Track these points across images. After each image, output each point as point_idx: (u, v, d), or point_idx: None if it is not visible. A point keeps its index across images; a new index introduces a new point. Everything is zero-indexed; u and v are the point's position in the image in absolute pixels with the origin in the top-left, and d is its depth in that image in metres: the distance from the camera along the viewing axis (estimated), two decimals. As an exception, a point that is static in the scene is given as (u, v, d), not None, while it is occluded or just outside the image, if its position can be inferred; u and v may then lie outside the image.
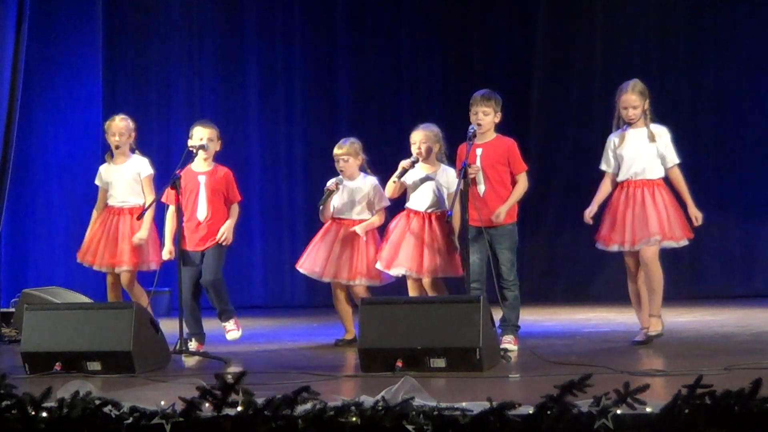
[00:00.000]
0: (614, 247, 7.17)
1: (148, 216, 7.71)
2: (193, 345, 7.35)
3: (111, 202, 7.98)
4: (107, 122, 8.05)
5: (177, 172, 7.18)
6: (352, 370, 6.30)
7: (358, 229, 7.60)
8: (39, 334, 6.47)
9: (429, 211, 7.52)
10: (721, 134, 11.13)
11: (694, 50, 11.25)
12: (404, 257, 7.46)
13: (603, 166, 7.27)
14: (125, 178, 7.93)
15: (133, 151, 8.02)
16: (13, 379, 4.45)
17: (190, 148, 7.41)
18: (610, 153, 7.21)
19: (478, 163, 7.06)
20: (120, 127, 7.91)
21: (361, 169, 7.77)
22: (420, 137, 7.52)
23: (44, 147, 10.66)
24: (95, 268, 8.02)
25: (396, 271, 7.52)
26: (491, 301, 6.41)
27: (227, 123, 10.58)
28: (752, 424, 3.69)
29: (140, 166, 7.94)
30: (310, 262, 7.75)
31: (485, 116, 7.10)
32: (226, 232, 7.43)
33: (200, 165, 7.50)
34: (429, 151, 7.50)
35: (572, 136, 11.24)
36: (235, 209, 7.57)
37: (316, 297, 11.08)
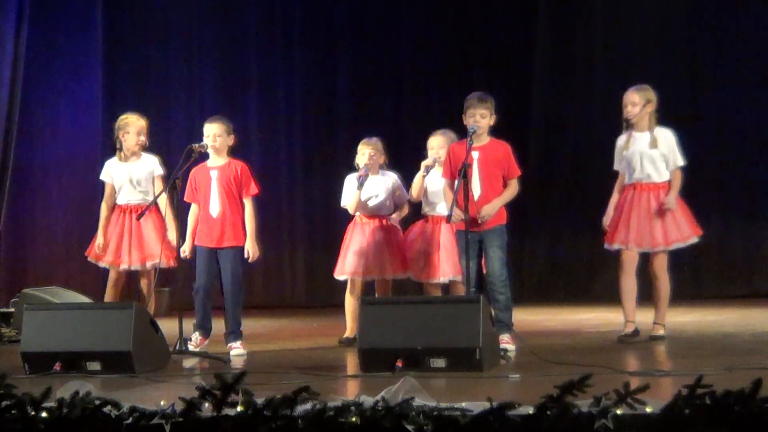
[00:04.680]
0: (615, 246, 7.34)
1: (169, 214, 7.72)
2: (196, 338, 7.31)
3: (126, 201, 7.94)
4: (124, 120, 7.99)
5: (178, 173, 7.18)
6: (352, 370, 6.30)
7: (394, 221, 7.79)
8: (39, 334, 6.46)
9: None
10: (721, 135, 11.12)
11: (694, 51, 11.25)
12: (449, 264, 7.51)
13: (615, 166, 7.47)
14: (141, 176, 7.93)
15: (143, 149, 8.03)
16: (13, 379, 4.45)
17: (189, 148, 7.40)
18: (618, 154, 7.42)
19: (475, 166, 7.05)
20: (142, 126, 7.95)
21: (381, 167, 7.89)
22: (439, 143, 7.60)
23: (44, 147, 10.66)
24: (122, 268, 7.89)
25: (445, 279, 7.58)
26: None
27: (227, 123, 10.58)
28: (752, 424, 3.69)
29: (153, 165, 7.97)
30: (351, 265, 7.75)
31: (482, 118, 7.08)
32: (251, 249, 7.38)
33: (213, 160, 7.46)
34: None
35: (572, 137, 11.25)
36: (248, 206, 7.42)
37: (316, 297, 11.09)
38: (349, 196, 7.80)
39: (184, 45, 11.76)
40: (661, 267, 7.30)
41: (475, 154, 7.05)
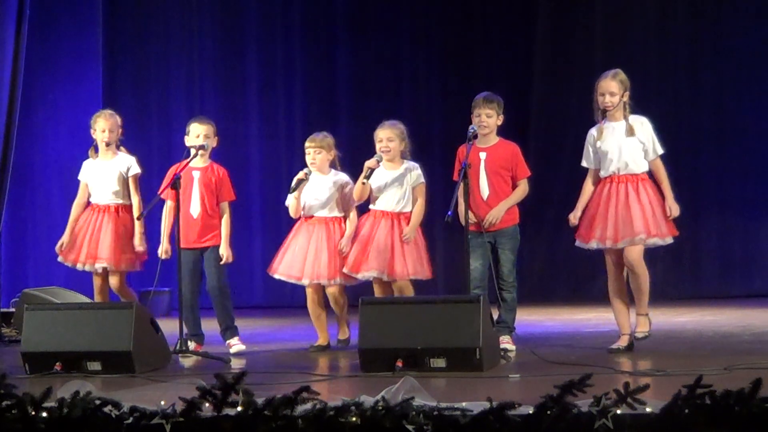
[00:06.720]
0: (593, 245, 6.81)
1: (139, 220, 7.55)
2: (191, 347, 7.31)
3: (95, 200, 7.71)
4: (94, 117, 7.75)
5: (179, 172, 7.18)
6: (352, 370, 6.30)
7: (344, 246, 7.31)
8: (39, 334, 6.47)
9: (396, 210, 7.29)
10: (721, 134, 11.13)
11: (694, 50, 11.25)
12: (373, 260, 7.21)
13: (584, 163, 6.94)
14: (112, 175, 7.66)
15: (118, 148, 7.78)
16: (13, 379, 4.45)
17: (190, 148, 7.41)
18: (590, 148, 6.88)
19: (482, 167, 7.02)
20: (110, 123, 7.66)
21: (332, 165, 7.54)
22: (386, 134, 7.31)
23: (44, 147, 10.66)
24: (78, 267, 7.72)
25: (365, 275, 7.27)
26: (491, 303, 6.41)
27: (227, 122, 10.58)
28: (752, 424, 3.69)
29: (128, 164, 7.68)
30: (286, 266, 7.44)
31: (488, 118, 7.05)
32: (225, 253, 7.36)
33: (196, 161, 7.43)
34: (395, 149, 7.30)
35: (572, 137, 11.18)
36: (225, 210, 7.45)
37: (316, 297, 11.05)
38: (290, 198, 7.49)
39: (184, 45, 11.76)
40: (638, 257, 6.67)
41: (482, 155, 7.03)
